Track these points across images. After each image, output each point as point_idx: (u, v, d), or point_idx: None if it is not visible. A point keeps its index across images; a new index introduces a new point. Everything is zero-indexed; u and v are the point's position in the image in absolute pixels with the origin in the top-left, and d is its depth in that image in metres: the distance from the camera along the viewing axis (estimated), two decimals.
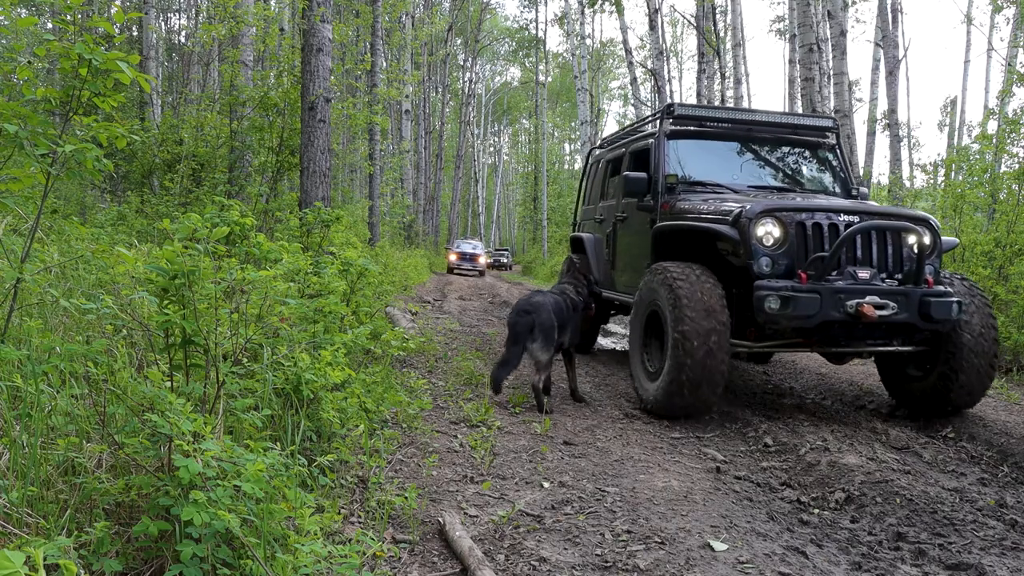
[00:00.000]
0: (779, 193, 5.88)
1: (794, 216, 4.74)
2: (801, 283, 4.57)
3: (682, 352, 4.58)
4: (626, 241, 6.72)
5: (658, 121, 6.34)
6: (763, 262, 4.69)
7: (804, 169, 6.65)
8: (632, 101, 25.46)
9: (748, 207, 4.74)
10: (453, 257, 29.01)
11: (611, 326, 11.38)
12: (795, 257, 4.73)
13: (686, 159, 6.14)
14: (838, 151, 6.66)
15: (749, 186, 5.94)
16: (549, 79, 45.72)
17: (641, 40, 32.61)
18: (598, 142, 9.18)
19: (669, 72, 31.29)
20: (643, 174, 5.96)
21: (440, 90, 40.60)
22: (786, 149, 6.60)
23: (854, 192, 6.35)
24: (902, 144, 20.44)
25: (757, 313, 4.57)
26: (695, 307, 4.62)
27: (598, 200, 7.79)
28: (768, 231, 4.72)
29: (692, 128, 6.28)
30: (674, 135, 6.19)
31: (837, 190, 6.42)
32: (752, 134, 6.40)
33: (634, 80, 23.78)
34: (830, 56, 13.45)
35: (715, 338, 4.57)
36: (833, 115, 6.68)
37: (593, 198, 8.09)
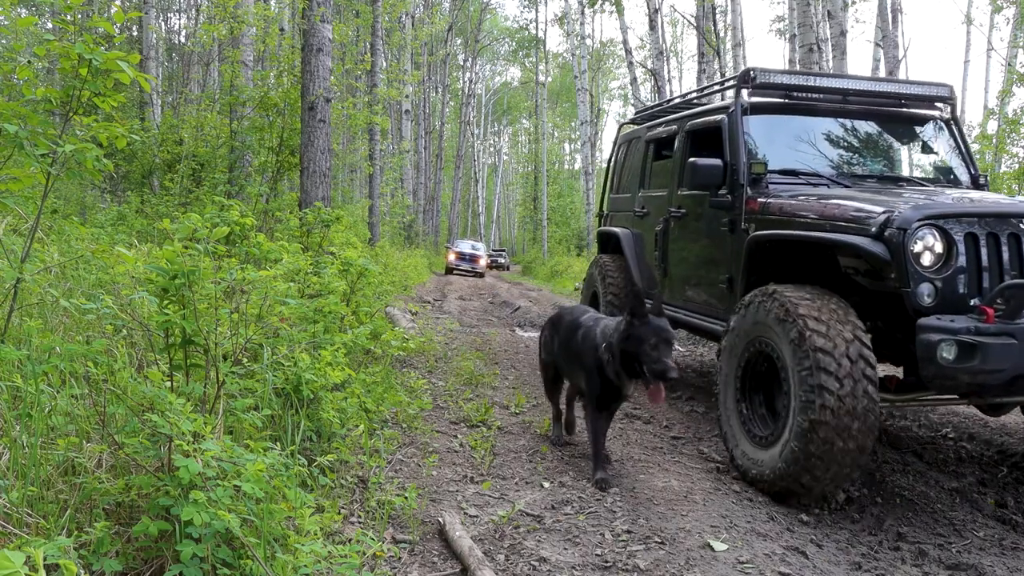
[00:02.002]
0: (895, 186, 4.58)
1: (964, 225, 3.46)
2: (987, 322, 3.22)
3: (816, 415, 3.30)
4: (688, 245, 5.36)
5: (733, 92, 4.94)
6: (923, 291, 3.35)
7: (914, 151, 5.36)
8: (632, 101, 25.47)
9: (899, 212, 3.43)
10: (452, 257, 27.96)
11: None
12: (968, 283, 3.44)
13: (769, 140, 4.85)
14: (954, 127, 5.21)
15: (853, 176, 4.76)
16: (549, 79, 45.72)
17: (641, 40, 32.61)
18: (631, 115, 7.83)
19: (669, 72, 31.30)
20: (716, 161, 4.60)
21: (440, 90, 40.61)
22: (890, 125, 5.21)
23: (981, 181, 5.05)
24: None
25: (922, 364, 3.24)
26: (836, 354, 3.33)
27: (637, 188, 6.35)
28: (929, 247, 3.41)
29: (776, 101, 4.97)
30: (754, 109, 4.83)
31: (961, 178, 5.04)
32: (848, 107, 5.05)
33: (634, 80, 23.79)
34: (830, 56, 13.45)
35: (864, 399, 3.30)
36: (948, 83, 5.23)
37: (629, 185, 6.65)
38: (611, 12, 23.04)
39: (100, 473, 2.30)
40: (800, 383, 3.40)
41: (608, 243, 6.95)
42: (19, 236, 4.14)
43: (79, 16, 14.17)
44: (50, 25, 22.39)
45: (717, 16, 20.35)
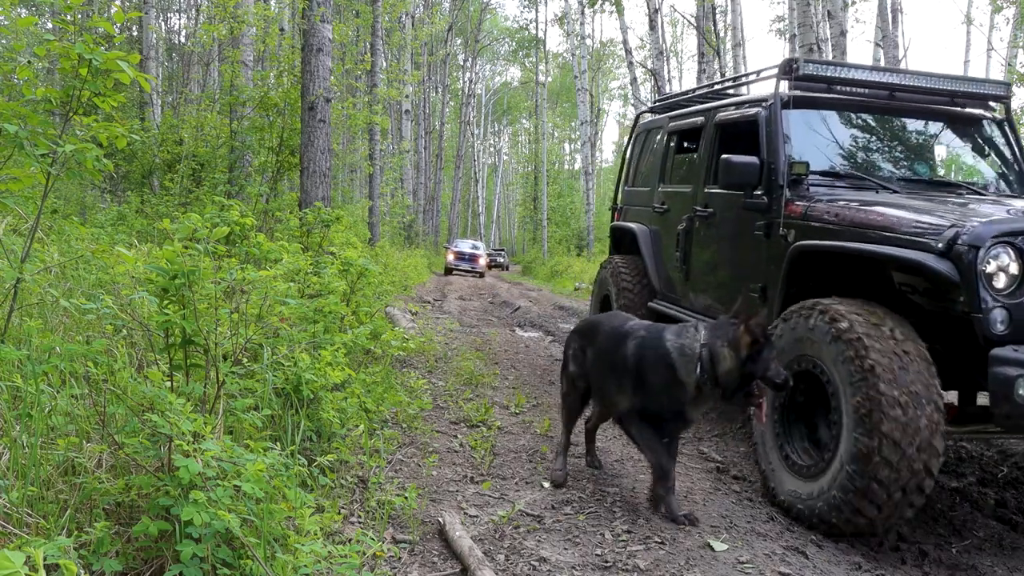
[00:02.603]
0: (951, 194, 4.22)
1: None
2: None
3: (875, 448, 2.94)
4: (714, 248, 4.95)
5: (773, 82, 4.45)
6: (996, 317, 3.01)
7: (967, 153, 4.89)
8: (632, 101, 25.47)
9: (969, 227, 3.08)
10: (451, 257, 26.96)
11: None
12: None
13: (809, 138, 4.43)
14: (1007, 129, 4.80)
15: (901, 180, 4.36)
16: (549, 79, 45.73)
17: (641, 40, 32.61)
18: (650, 104, 7.41)
19: (669, 72, 31.29)
20: (752, 159, 4.21)
21: (440, 90, 40.61)
22: (940, 125, 4.79)
23: None
24: None
25: (996, 401, 2.93)
26: (898, 381, 2.98)
27: (656, 182, 5.91)
28: (1004, 267, 3.07)
29: (819, 95, 4.52)
30: (794, 103, 4.39)
31: (1016, 185, 4.65)
32: (895, 104, 4.64)
33: (634, 80, 23.79)
34: (830, 56, 13.46)
35: (927, 432, 2.96)
36: (1005, 81, 4.88)
37: (647, 178, 6.20)
38: (611, 12, 23.05)
39: (100, 473, 2.30)
40: (855, 410, 3.03)
41: (622, 240, 6.49)
42: (19, 236, 4.14)
43: (79, 16, 14.16)
44: (50, 25, 22.40)
45: (717, 16, 20.36)
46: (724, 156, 4.26)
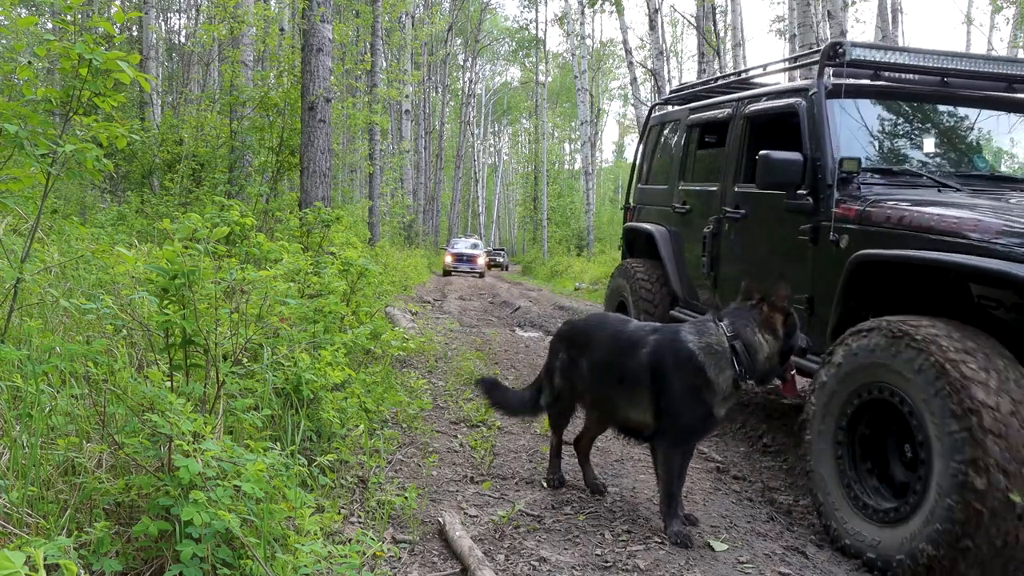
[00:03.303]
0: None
1: None
2: None
3: (978, 494, 2.46)
4: (748, 253, 4.51)
5: (816, 70, 4.02)
6: None
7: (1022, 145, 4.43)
8: (632, 101, 25.48)
9: None
10: (448, 259, 26.01)
11: None
12: None
13: (857, 131, 4.00)
14: None
15: (961, 176, 3.95)
16: (549, 79, 45.73)
17: (641, 40, 32.62)
18: (667, 94, 6.95)
19: (669, 72, 31.28)
20: (795, 155, 3.80)
21: (440, 90, 40.61)
22: (1001, 113, 4.28)
23: None
24: None
25: None
26: (1005, 414, 2.50)
27: (676, 180, 5.48)
28: None
29: (867, 83, 4.13)
30: (838, 93, 3.95)
31: None
32: (949, 91, 4.19)
33: (634, 80, 23.80)
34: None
35: None
36: None
37: (664, 176, 5.78)
38: (611, 12, 23.05)
39: (100, 473, 2.30)
40: (952, 449, 2.54)
41: (637, 242, 6.06)
42: (19, 236, 4.14)
43: (79, 16, 14.17)
44: (50, 25, 22.40)
45: (717, 16, 20.36)
46: (763, 152, 3.80)
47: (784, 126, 4.28)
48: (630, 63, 23.52)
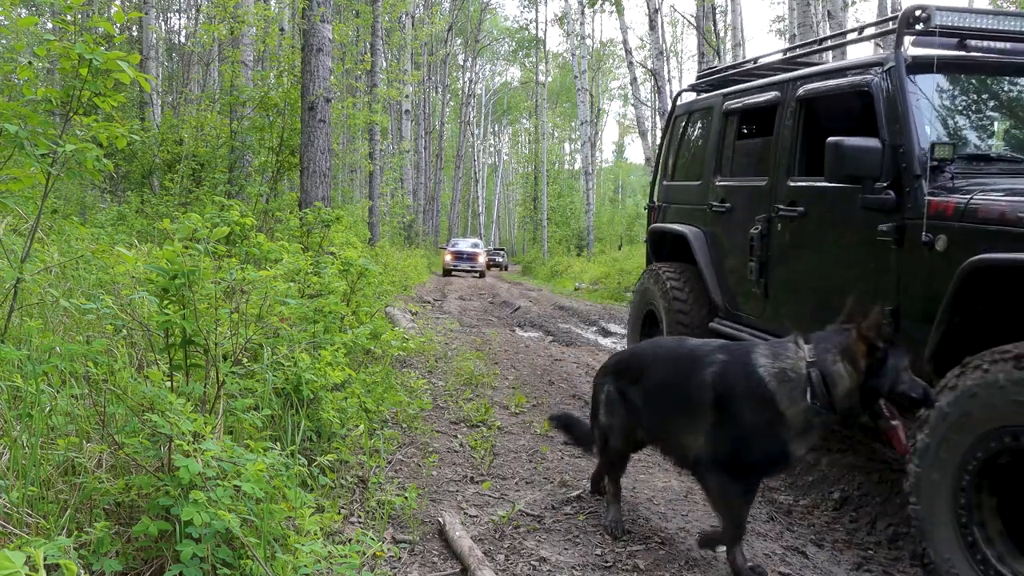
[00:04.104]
0: None
1: None
2: None
3: None
4: (810, 257, 3.94)
5: (893, 40, 3.46)
6: None
7: None
8: (632, 101, 25.48)
9: None
10: (448, 257, 25.55)
11: (611, 326, 11.35)
12: None
13: (943, 111, 3.48)
14: None
15: None
16: (549, 79, 45.74)
17: (641, 40, 32.62)
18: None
19: (669, 72, 31.27)
20: (872, 142, 3.26)
21: (440, 90, 40.62)
22: None
23: None
24: None
25: None
26: None
27: (711, 174, 4.91)
28: None
29: (949, 54, 3.51)
30: (920, 67, 3.39)
31: None
32: None
33: (634, 80, 23.80)
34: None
35: None
36: None
37: (695, 170, 5.22)
38: (611, 12, 23.05)
39: (100, 473, 2.30)
40: None
41: (664, 245, 5.51)
42: (19, 236, 4.14)
43: (79, 16, 14.17)
44: (50, 25, 22.40)
45: (717, 16, 20.36)
46: (833, 140, 3.27)
47: (849, 109, 3.84)
48: (630, 63, 23.53)
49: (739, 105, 4.74)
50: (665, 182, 5.69)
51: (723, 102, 4.93)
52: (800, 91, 4.08)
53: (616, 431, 3.03)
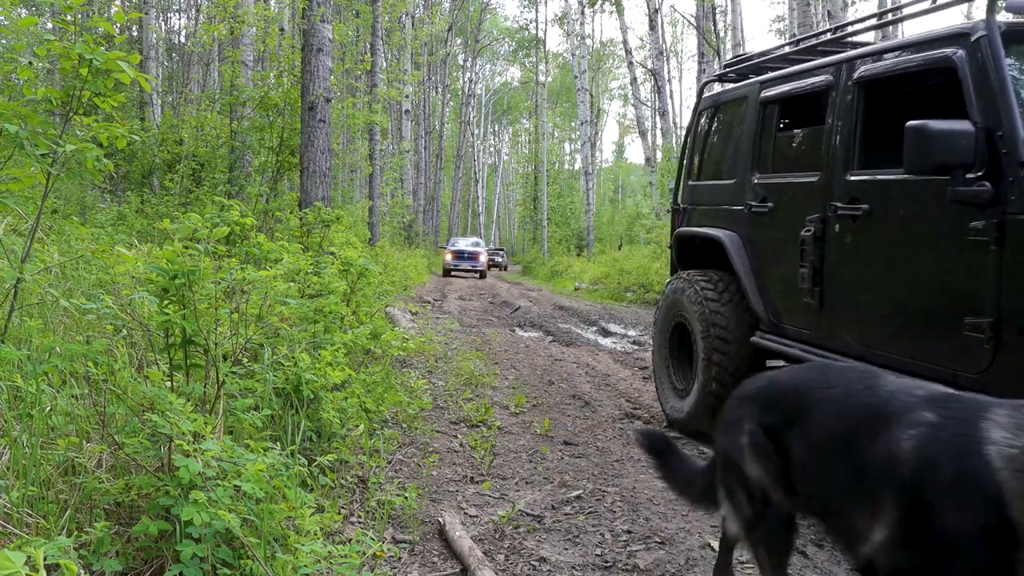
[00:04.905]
0: None
1: None
2: None
3: None
4: (880, 261, 3.40)
5: (984, 11, 3.03)
6: None
7: None
8: (632, 101, 25.49)
9: None
10: (449, 257, 24.88)
11: (611, 326, 11.35)
12: None
13: None
14: None
15: None
16: (549, 79, 45.76)
17: (641, 40, 32.64)
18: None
19: (669, 72, 31.31)
20: (963, 125, 2.84)
21: (440, 90, 40.62)
22: None
23: None
24: None
25: None
26: None
27: (748, 172, 4.40)
28: None
29: None
30: (1015, 37, 3.00)
31: None
32: None
33: (634, 80, 23.81)
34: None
35: None
36: None
37: (728, 168, 4.72)
38: (611, 12, 23.06)
39: (100, 473, 2.30)
40: None
41: (691, 250, 5.05)
42: (19, 236, 4.14)
43: (79, 16, 14.17)
44: (50, 25, 22.41)
45: (717, 16, 20.37)
46: (915, 124, 2.83)
47: (921, 90, 3.46)
48: (630, 63, 23.53)
49: (780, 93, 4.22)
50: (690, 182, 5.20)
51: (760, 90, 4.41)
52: (859, 73, 3.53)
53: (773, 490, 2.03)
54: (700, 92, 5.31)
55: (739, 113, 4.68)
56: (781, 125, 4.42)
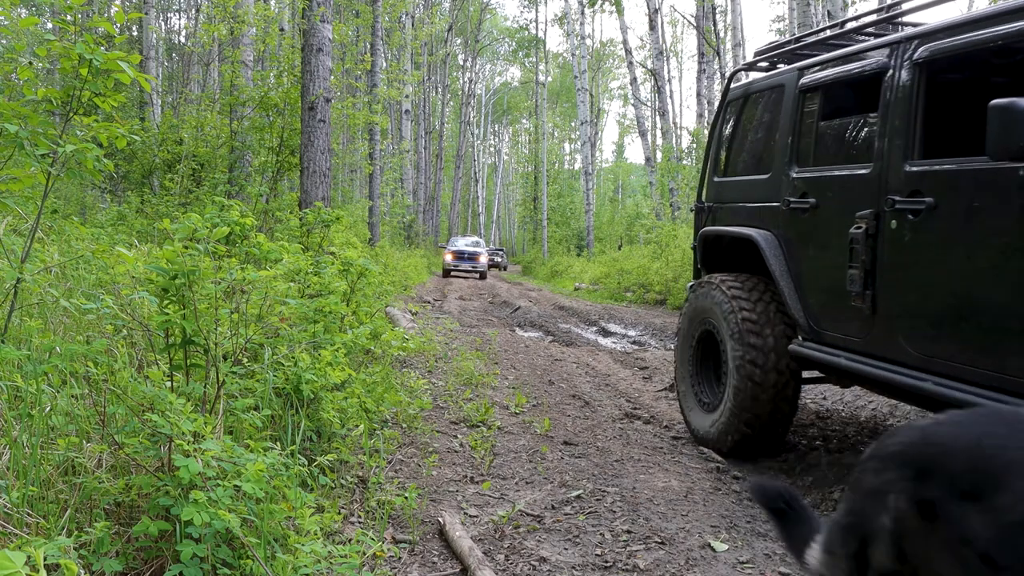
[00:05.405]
0: None
1: None
2: None
3: None
4: (950, 262, 3.01)
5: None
6: None
7: None
8: (632, 101, 25.50)
9: None
10: (449, 257, 24.53)
11: (611, 326, 11.35)
12: None
13: None
14: None
15: None
16: (549, 79, 45.78)
17: (641, 40, 32.65)
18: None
19: (669, 72, 31.31)
20: None
21: (440, 90, 40.65)
22: None
23: None
24: None
25: None
26: None
27: (786, 165, 4.06)
28: None
29: None
30: None
31: None
32: None
33: (634, 80, 23.80)
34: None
35: None
36: None
37: (762, 163, 4.41)
38: (611, 12, 23.06)
39: (100, 473, 2.30)
40: None
41: (716, 251, 4.75)
42: (19, 236, 4.14)
43: (79, 16, 14.17)
44: (50, 25, 22.40)
45: (717, 16, 20.37)
46: (1001, 102, 2.55)
47: (996, 68, 3.14)
48: (630, 63, 23.54)
49: (824, 78, 3.86)
50: (716, 178, 4.86)
51: (799, 77, 4.07)
52: (920, 53, 3.16)
53: None
54: (728, 83, 4.94)
55: (774, 102, 4.34)
56: (827, 113, 4.05)
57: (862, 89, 3.73)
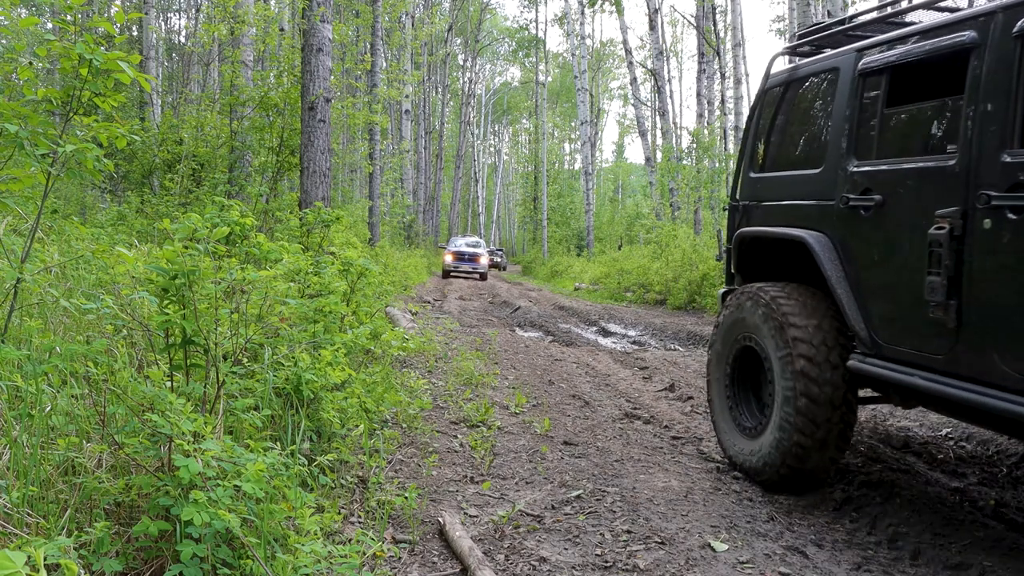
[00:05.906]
0: None
1: None
2: None
3: None
4: None
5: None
6: None
7: None
8: (632, 101, 25.50)
9: None
10: (449, 258, 24.16)
11: (611, 326, 11.35)
12: None
13: None
14: None
15: None
16: (549, 79, 45.78)
17: (641, 40, 32.65)
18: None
19: (669, 72, 31.30)
20: None
21: (440, 90, 40.64)
22: None
23: None
24: None
25: None
26: None
27: (843, 158, 3.59)
28: None
29: None
30: None
31: None
32: None
33: (634, 80, 23.80)
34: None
35: None
36: None
37: (810, 156, 3.93)
38: (611, 12, 23.07)
39: (100, 473, 2.30)
40: None
41: (756, 255, 4.32)
42: (19, 236, 4.14)
43: (79, 16, 14.17)
44: (50, 25, 22.41)
45: (717, 16, 20.37)
46: None
47: None
48: (630, 63, 23.54)
49: (891, 59, 3.40)
50: (752, 174, 4.38)
51: (858, 59, 3.63)
52: (1021, 25, 2.76)
53: None
54: (768, 69, 4.39)
55: (825, 89, 3.91)
56: (893, 98, 3.58)
57: (941, 69, 3.35)
